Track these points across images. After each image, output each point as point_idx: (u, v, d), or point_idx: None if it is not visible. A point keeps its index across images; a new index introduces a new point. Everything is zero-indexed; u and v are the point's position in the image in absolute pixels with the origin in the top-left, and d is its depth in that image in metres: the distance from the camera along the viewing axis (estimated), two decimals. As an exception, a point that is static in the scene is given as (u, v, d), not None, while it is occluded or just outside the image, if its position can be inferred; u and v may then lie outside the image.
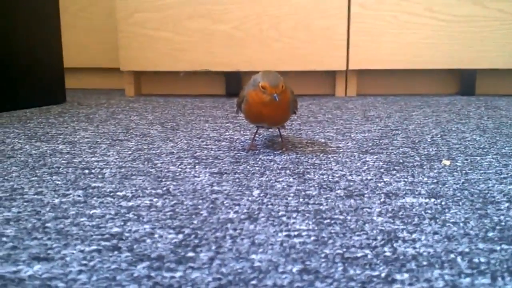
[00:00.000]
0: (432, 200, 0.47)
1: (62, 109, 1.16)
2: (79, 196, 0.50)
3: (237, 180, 0.55)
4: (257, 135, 0.79)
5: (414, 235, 0.38)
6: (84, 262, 0.34)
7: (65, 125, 0.93)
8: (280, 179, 0.56)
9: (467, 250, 0.35)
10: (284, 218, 0.43)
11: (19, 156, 0.68)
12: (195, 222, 0.42)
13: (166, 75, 1.54)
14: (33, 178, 0.56)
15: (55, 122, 0.96)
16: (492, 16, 1.35)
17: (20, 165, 0.63)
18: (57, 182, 0.55)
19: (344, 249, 0.35)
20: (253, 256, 0.35)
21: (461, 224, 0.40)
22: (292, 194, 0.50)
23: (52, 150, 0.71)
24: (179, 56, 1.44)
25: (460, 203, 0.46)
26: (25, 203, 0.47)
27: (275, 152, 0.70)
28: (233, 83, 1.52)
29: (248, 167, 0.62)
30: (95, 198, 0.49)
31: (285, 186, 0.53)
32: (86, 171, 0.60)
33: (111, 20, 1.62)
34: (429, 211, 0.44)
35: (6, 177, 0.57)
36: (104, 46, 1.67)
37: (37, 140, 0.79)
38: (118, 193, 0.50)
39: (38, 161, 0.65)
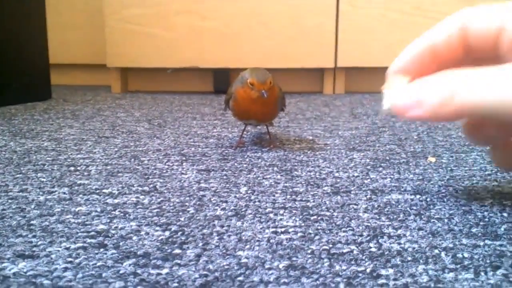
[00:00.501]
0: (418, 196, 0.47)
1: (48, 106, 1.15)
2: (64, 193, 0.49)
3: (224, 177, 0.55)
4: (245, 132, 0.79)
5: (399, 231, 0.38)
6: (70, 259, 0.34)
7: (51, 122, 0.92)
8: (268, 176, 0.56)
9: (451, 245, 0.36)
10: (271, 215, 0.43)
11: (4, 153, 0.67)
12: (182, 219, 0.42)
13: (154, 71, 1.53)
14: (17, 175, 0.56)
15: (40, 119, 0.95)
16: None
17: (5, 162, 0.62)
18: (42, 179, 0.54)
19: (330, 245, 0.36)
20: (240, 253, 0.35)
21: (446, 220, 0.41)
22: (279, 191, 0.50)
23: (37, 147, 0.70)
24: (167, 53, 1.44)
25: (445, 199, 0.46)
26: (9, 200, 0.47)
27: (263, 149, 0.70)
28: (221, 80, 1.52)
29: (235, 164, 0.62)
30: (80, 196, 0.48)
31: (273, 183, 0.53)
32: (72, 168, 0.59)
33: (98, 16, 1.60)
34: (414, 207, 0.44)
35: (-10, 174, 0.56)
36: (91, 42, 1.65)
37: (22, 137, 0.78)
38: (104, 191, 0.50)
39: (23, 158, 0.64)
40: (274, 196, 0.48)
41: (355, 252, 0.35)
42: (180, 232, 0.39)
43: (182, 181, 0.54)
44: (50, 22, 1.28)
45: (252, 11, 1.41)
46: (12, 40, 1.15)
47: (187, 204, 0.46)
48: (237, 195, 0.49)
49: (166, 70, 1.50)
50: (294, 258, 0.34)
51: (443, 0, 1.36)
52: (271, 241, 0.37)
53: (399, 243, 0.36)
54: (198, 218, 0.42)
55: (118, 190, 0.50)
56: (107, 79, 1.61)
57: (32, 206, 0.45)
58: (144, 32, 1.43)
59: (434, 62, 0.38)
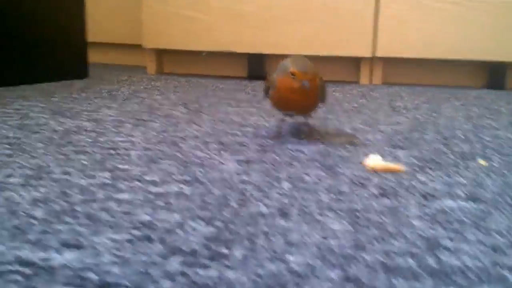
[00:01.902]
0: (472, 204, 0.45)
1: (85, 85, 1.15)
2: (106, 178, 0.49)
3: (264, 170, 0.54)
4: (282, 123, 0.77)
5: (457, 244, 0.36)
6: (116, 252, 0.33)
7: (89, 101, 0.92)
8: (309, 172, 0.54)
9: (513, 263, 0.34)
10: (317, 216, 0.41)
11: (45, 132, 0.67)
12: (225, 214, 0.41)
13: (188, 54, 1.52)
14: (59, 156, 0.56)
15: (78, 98, 0.96)
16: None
17: (46, 141, 0.62)
18: (84, 162, 0.54)
19: (385, 256, 0.34)
20: (289, 257, 0.33)
21: (505, 233, 0.38)
22: (323, 189, 0.48)
23: (77, 127, 0.70)
24: (202, 36, 1.42)
25: (501, 208, 0.44)
26: (52, 183, 0.47)
27: (302, 142, 0.68)
28: (255, 65, 1.50)
29: (275, 156, 0.60)
30: (122, 181, 0.48)
31: (316, 180, 0.51)
32: (112, 151, 0.59)
33: (135, -5, 1.59)
34: (470, 216, 0.42)
35: (32, 154, 0.56)
36: (127, 22, 1.65)
37: (61, 115, 0.78)
38: (146, 178, 0.49)
39: (64, 138, 0.64)
40: (318, 194, 0.47)
41: (412, 265, 0.33)
42: (225, 229, 0.38)
43: (223, 171, 0.53)
44: (89, 1, 1.28)
45: (292, -4, 1.37)
46: (51, 17, 1.15)
47: (229, 197, 0.45)
48: (280, 191, 0.47)
49: (201, 53, 1.49)
50: (347, 268, 0.32)
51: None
52: (320, 246, 0.35)
53: (459, 258, 0.34)
54: (241, 214, 0.41)
55: (159, 178, 0.50)
56: (142, 60, 1.61)
57: (75, 191, 0.45)
58: (181, 14, 1.41)
59: None
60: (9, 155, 0.55)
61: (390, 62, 1.46)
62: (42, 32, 1.13)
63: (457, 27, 1.34)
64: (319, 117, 0.86)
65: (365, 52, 1.39)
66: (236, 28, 1.41)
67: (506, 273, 0.32)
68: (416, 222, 0.40)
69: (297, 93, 0.63)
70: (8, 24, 1.05)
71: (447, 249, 0.35)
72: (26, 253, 0.32)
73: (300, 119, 0.83)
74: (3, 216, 0.38)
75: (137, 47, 1.58)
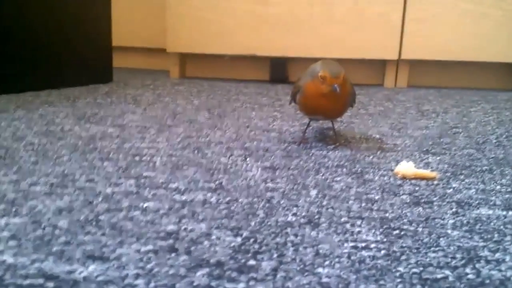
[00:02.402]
0: (510, 212, 0.43)
1: (109, 89, 1.16)
2: (131, 185, 0.48)
3: (291, 177, 0.53)
4: (307, 128, 0.76)
5: (497, 255, 0.34)
6: (141, 264, 0.32)
7: (113, 107, 0.92)
8: (338, 179, 0.52)
9: (560, 278, 0.31)
10: (347, 225, 0.40)
11: (69, 138, 0.67)
12: (252, 223, 0.40)
13: (211, 58, 1.52)
14: (84, 163, 0.55)
15: (103, 103, 0.96)
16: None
17: (71, 148, 0.62)
18: (109, 170, 0.53)
19: (421, 268, 0.32)
20: (320, 270, 0.32)
21: (549, 245, 0.36)
22: (352, 197, 0.46)
23: (101, 133, 0.70)
24: (225, 39, 1.42)
25: (543, 219, 0.41)
26: (77, 191, 0.46)
27: (328, 147, 0.66)
28: (278, 69, 1.49)
29: (301, 162, 0.59)
30: (147, 189, 0.47)
31: (344, 187, 0.49)
32: (137, 158, 0.58)
33: (160, 0, 1.60)
34: (509, 226, 0.40)
35: (57, 161, 0.56)
36: (152, 26, 1.66)
37: (86, 121, 0.78)
38: (171, 185, 0.49)
39: (88, 144, 0.64)
40: (347, 202, 0.45)
41: (450, 278, 0.31)
42: (253, 239, 0.36)
43: (248, 179, 0.52)
44: (113, 4, 1.29)
45: (315, -2, 1.36)
46: (77, 21, 1.16)
47: (256, 206, 0.44)
48: (308, 199, 0.46)
49: (224, 57, 1.49)
50: (381, 282, 0.30)
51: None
52: (352, 258, 0.34)
53: (500, 270, 0.32)
54: (269, 223, 0.40)
55: (184, 185, 0.49)
56: (165, 64, 1.61)
57: (100, 199, 0.44)
58: (204, 17, 1.41)
59: None
60: (34, 163, 0.55)
61: (416, 64, 1.43)
62: (67, 36, 1.14)
63: (483, 29, 1.31)
64: (344, 121, 0.85)
65: (391, 55, 1.37)
66: (259, 31, 1.40)
67: (554, 289, 0.30)
68: (452, 232, 0.38)
69: (326, 98, 0.61)
70: (34, 29, 1.06)
71: (486, 260, 0.33)
72: (50, 265, 0.32)
73: (325, 123, 0.81)
74: (27, 227, 0.38)
75: (160, 51, 1.58)
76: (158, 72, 1.63)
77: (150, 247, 0.35)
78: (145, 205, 0.43)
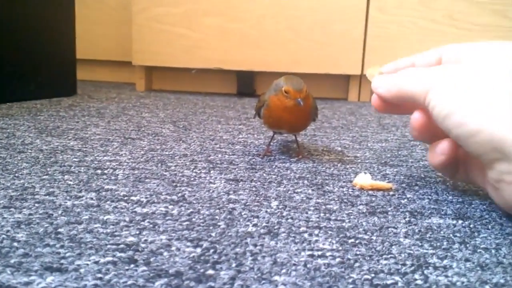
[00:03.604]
0: (460, 221, 0.45)
1: (73, 102, 1.14)
2: (92, 199, 0.48)
3: (253, 189, 0.54)
4: (272, 141, 0.77)
5: (445, 261, 0.36)
6: (99, 275, 0.32)
7: (76, 120, 0.91)
8: (299, 190, 0.54)
9: (502, 281, 0.33)
10: (305, 235, 0.41)
11: (30, 151, 0.66)
12: (213, 234, 0.40)
13: (178, 71, 1.52)
14: (44, 177, 0.55)
15: (66, 116, 0.95)
16: (513, 27, 1.32)
17: (31, 161, 0.61)
18: (69, 182, 0.53)
19: (373, 274, 0.34)
20: (276, 278, 0.33)
21: (493, 251, 0.38)
22: (312, 208, 0.48)
23: (63, 146, 0.69)
24: (192, 53, 1.43)
25: (489, 226, 0.44)
26: (36, 204, 0.46)
27: (291, 160, 0.68)
28: (245, 82, 1.51)
29: (264, 174, 0.60)
30: (108, 202, 0.47)
31: (304, 198, 0.51)
32: (99, 171, 0.58)
33: (125, 12, 1.60)
34: (458, 235, 0.42)
35: (16, 174, 0.55)
36: (116, 39, 1.65)
37: (47, 134, 0.77)
38: (132, 198, 0.49)
39: (49, 157, 0.63)
40: (307, 213, 0.46)
41: (399, 284, 0.32)
42: (212, 250, 0.37)
43: (211, 191, 0.52)
44: (78, 17, 1.28)
45: (281, 14, 1.39)
46: (40, 33, 1.15)
47: (217, 217, 0.44)
48: (269, 210, 0.47)
49: (191, 71, 1.49)
50: (335, 288, 0.32)
51: (475, 11, 1.32)
52: (308, 265, 0.35)
53: (446, 276, 0.34)
54: (229, 234, 0.41)
55: (146, 198, 0.49)
56: (131, 77, 1.60)
57: (59, 212, 0.44)
58: (170, 31, 1.42)
59: None
60: (-7, 175, 0.54)
61: (378, 79, 1.48)
62: (29, 49, 1.13)
63: (440, 44, 1.36)
64: (307, 134, 0.87)
65: (354, 70, 1.41)
66: (225, 45, 1.42)
67: (494, 292, 0.32)
68: (404, 240, 0.40)
69: (290, 112, 0.63)
70: (-4, 42, 1.04)
71: (434, 267, 0.35)
72: (7, 277, 0.31)
73: (289, 137, 0.83)
74: (-15, 239, 0.37)
75: (126, 64, 1.58)
76: (124, 85, 1.62)
77: (109, 258, 0.35)
78: (106, 217, 0.43)
